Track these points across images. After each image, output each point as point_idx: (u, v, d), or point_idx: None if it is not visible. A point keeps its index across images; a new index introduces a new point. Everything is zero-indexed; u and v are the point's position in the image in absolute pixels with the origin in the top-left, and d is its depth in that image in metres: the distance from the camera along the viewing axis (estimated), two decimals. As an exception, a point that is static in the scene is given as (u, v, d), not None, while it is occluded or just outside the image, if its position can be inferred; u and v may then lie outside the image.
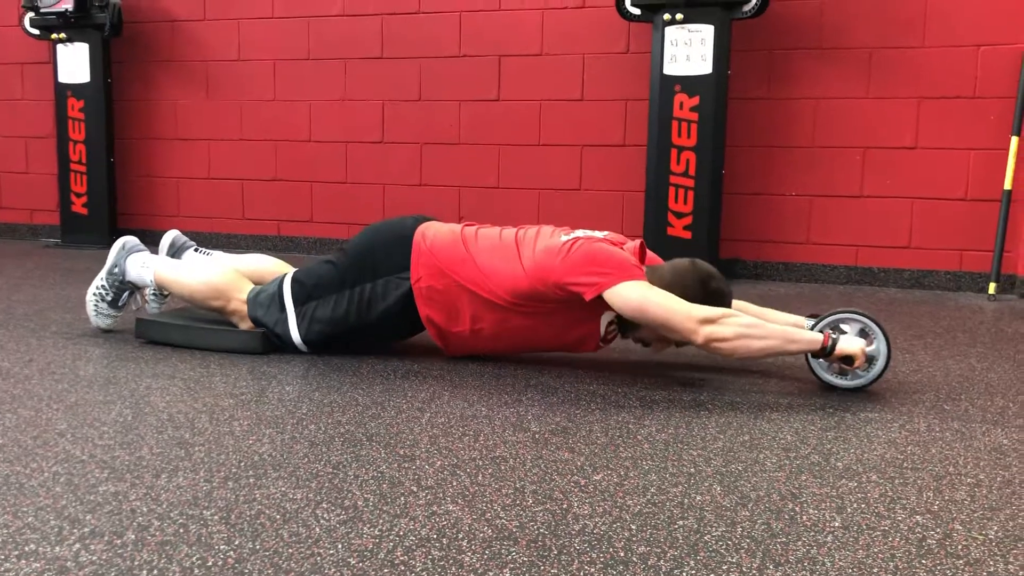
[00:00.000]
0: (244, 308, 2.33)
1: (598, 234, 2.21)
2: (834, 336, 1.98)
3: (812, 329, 2.08)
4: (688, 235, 3.89)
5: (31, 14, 4.79)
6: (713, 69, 3.78)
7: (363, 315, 2.26)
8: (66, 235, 4.97)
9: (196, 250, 2.80)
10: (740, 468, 1.52)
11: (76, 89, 4.84)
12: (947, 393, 2.07)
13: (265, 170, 4.81)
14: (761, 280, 4.05)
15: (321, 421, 1.75)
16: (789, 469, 1.53)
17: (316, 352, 2.33)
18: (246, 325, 2.35)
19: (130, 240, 2.58)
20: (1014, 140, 3.64)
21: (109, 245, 4.70)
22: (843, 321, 2.07)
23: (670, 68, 3.85)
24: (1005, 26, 3.67)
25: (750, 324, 1.97)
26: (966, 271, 3.81)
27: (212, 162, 4.91)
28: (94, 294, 2.51)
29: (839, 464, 1.56)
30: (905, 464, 1.57)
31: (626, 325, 2.17)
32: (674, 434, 1.71)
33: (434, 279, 2.20)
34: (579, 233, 2.18)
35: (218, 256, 2.75)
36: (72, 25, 4.73)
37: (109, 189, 4.92)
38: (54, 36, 4.79)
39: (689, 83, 3.82)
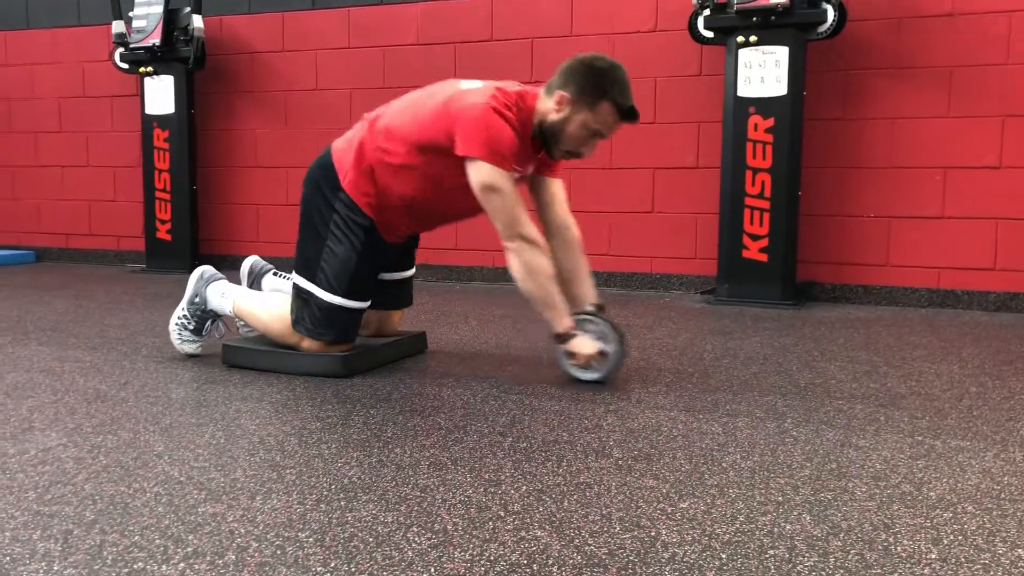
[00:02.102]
0: (310, 343, 2.42)
1: (511, 85, 2.33)
2: (574, 331, 2.25)
3: (576, 315, 2.32)
4: (764, 257, 3.85)
5: (121, 49, 5.01)
6: (788, 91, 3.75)
7: (356, 236, 2.39)
8: (151, 260, 5.15)
9: (275, 274, 2.88)
10: (829, 497, 1.50)
11: (162, 120, 5.03)
12: (1042, 421, 2.01)
13: (341, 196, 4.91)
14: (839, 303, 3.97)
15: (406, 444, 1.78)
16: (880, 499, 1.50)
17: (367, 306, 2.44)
18: (317, 349, 2.41)
19: (208, 269, 2.66)
20: (1106, 158, 3.52)
21: (191, 270, 4.91)
22: (591, 323, 2.30)
23: (744, 90, 3.83)
24: (1094, 41, 3.56)
25: (543, 270, 2.24)
26: (1056, 293, 3.69)
27: (290, 189, 5.04)
28: (177, 323, 2.60)
29: (932, 494, 1.52)
30: (1002, 495, 1.52)
31: (550, 146, 2.33)
32: (759, 462, 1.70)
33: (354, 170, 2.37)
34: (486, 83, 2.31)
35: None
36: (159, 59, 4.93)
37: (192, 216, 5.09)
38: (142, 69, 4.99)
39: (764, 105, 3.80)
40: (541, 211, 2.51)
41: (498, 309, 3.69)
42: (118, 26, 4.98)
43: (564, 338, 2.27)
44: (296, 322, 2.43)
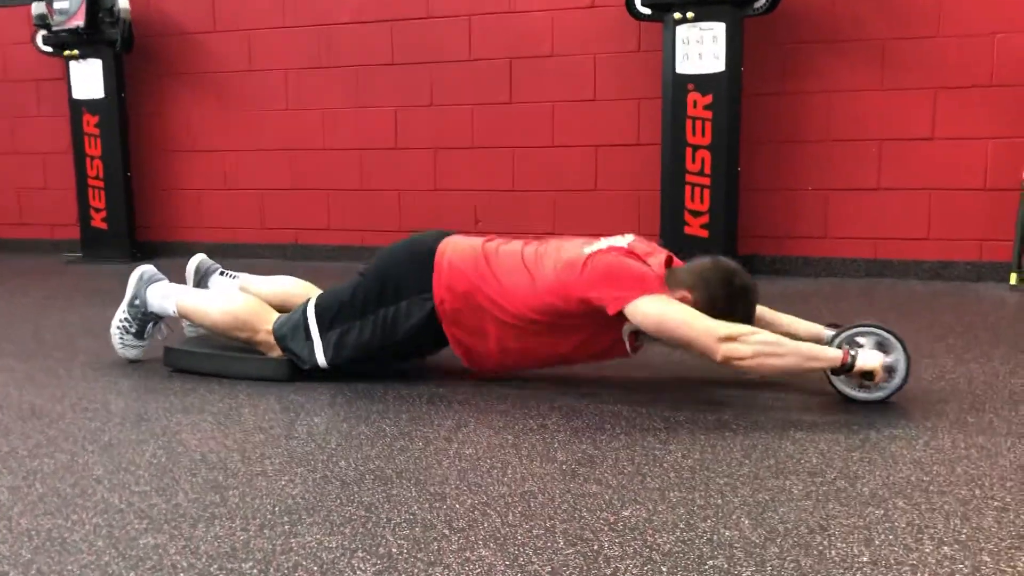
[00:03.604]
0: (270, 339, 2.36)
1: (622, 240, 2.21)
2: (853, 353, 1.98)
3: (831, 344, 2.08)
4: (705, 233, 3.89)
5: (43, 32, 4.83)
6: (726, 67, 3.77)
7: (388, 337, 2.27)
8: (87, 250, 5.03)
9: (222, 274, 2.82)
10: (767, 497, 1.54)
11: (91, 105, 4.87)
12: (971, 403, 2.08)
13: (281, 179, 4.84)
14: (780, 276, 4.04)
15: (351, 456, 1.78)
16: (816, 496, 1.54)
17: (340, 371, 2.34)
18: (275, 353, 2.37)
19: (148, 269, 2.60)
20: (1032, 128, 3.62)
21: (131, 258, 4.82)
22: (860, 335, 2.07)
23: (682, 67, 3.83)
24: (1019, 13, 3.63)
25: (769, 342, 1.97)
26: (987, 261, 3.80)
27: (228, 173, 4.94)
28: (118, 327, 2.55)
29: (865, 490, 1.57)
30: (931, 487, 1.58)
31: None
32: (700, 459, 1.73)
33: (457, 301, 2.21)
34: (602, 244, 2.18)
35: (245, 279, 2.77)
36: (84, 41, 4.76)
37: (127, 203, 4.97)
38: (67, 53, 4.83)
39: (702, 82, 3.81)
40: None
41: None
42: (38, 7, 4.78)
43: (849, 366, 1.99)
44: (285, 334, 2.34)
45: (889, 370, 2.03)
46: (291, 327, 2.35)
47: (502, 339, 2.21)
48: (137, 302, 2.54)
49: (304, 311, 2.35)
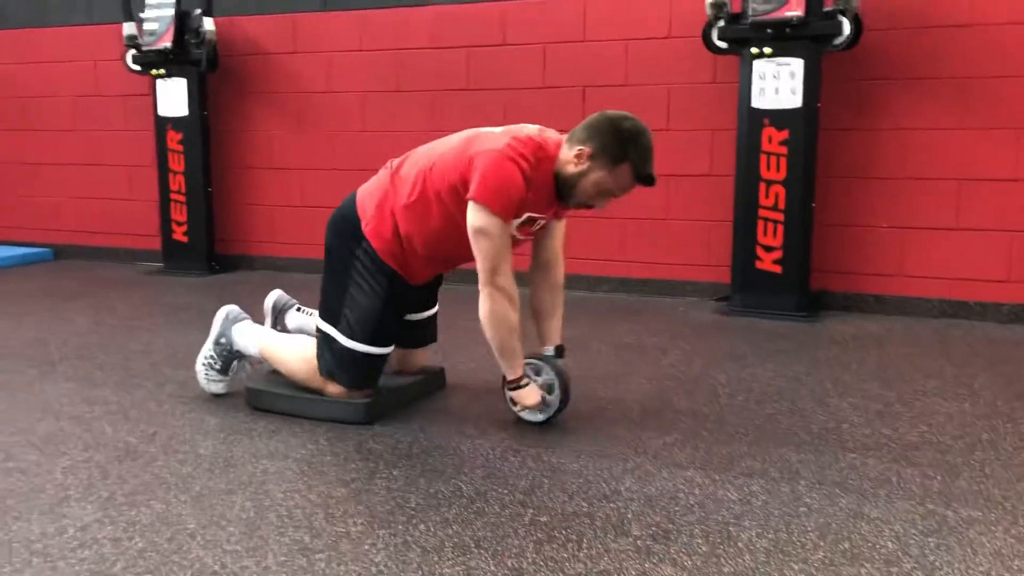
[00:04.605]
0: (334, 388, 2.46)
1: (529, 127, 2.37)
2: (524, 382, 2.37)
3: (528, 357, 2.42)
4: (778, 269, 3.87)
5: (133, 51, 5.00)
6: (803, 103, 3.74)
7: (378, 287, 2.44)
8: (167, 261, 5.20)
9: (299, 309, 2.92)
10: (842, 589, 1.55)
11: (175, 122, 5.04)
12: (1052, 481, 2.05)
13: (355, 198, 4.93)
14: (852, 312, 3.99)
15: (430, 519, 1.83)
16: (892, 590, 1.55)
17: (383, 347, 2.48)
18: (341, 396, 2.47)
19: (233, 309, 2.70)
20: (1122, 173, 3.51)
21: (208, 271, 4.97)
22: (541, 367, 2.43)
23: (758, 101, 3.81)
24: (1114, 54, 3.53)
25: (508, 321, 2.29)
26: (1069, 306, 3.70)
27: (304, 190, 5.06)
28: (203, 363, 2.65)
29: (943, 584, 1.57)
30: (1011, 585, 1.57)
31: (564, 195, 2.36)
32: (774, 540, 1.74)
33: (376, 218, 2.42)
34: (506, 128, 2.36)
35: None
36: (171, 61, 4.92)
37: (207, 217, 5.12)
38: (154, 72, 4.99)
39: (778, 117, 3.79)
40: (535, 244, 2.55)
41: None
42: (129, 28, 4.97)
43: (514, 386, 2.38)
44: (320, 366, 2.48)
45: (547, 397, 2.40)
46: (319, 351, 2.48)
47: (415, 232, 2.39)
48: (223, 340, 2.65)
49: (317, 328, 2.52)
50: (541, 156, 2.31)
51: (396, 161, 2.51)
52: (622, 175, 2.28)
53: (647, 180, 2.29)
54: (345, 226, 2.48)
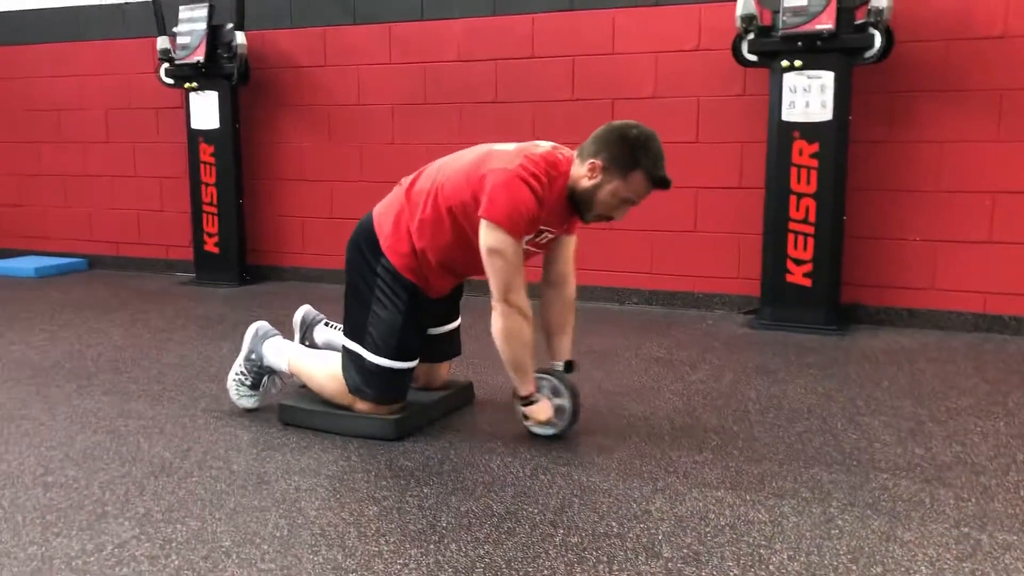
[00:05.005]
0: (363, 405, 2.48)
1: (542, 144, 2.40)
2: (536, 397, 2.41)
3: (539, 371, 2.45)
4: (808, 283, 3.85)
5: (166, 65, 5.08)
6: (833, 116, 3.72)
7: (399, 303, 2.46)
8: (200, 272, 5.26)
9: (327, 324, 2.95)
10: (876, 616, 1.54)
11: (207, 135, 5.10)
12: (1090, 505, 2.02)
13: (384, 210, 4.97)
14: (883, 326, 3.96)
15: (461, 539, 1.85)
16: (926, 617, 1.54)
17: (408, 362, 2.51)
18: (369, 411, 2.49)
19: (263, 326, 2.73)
20: None
21: (239, 282, 5.02)
22: (544, 379, 2.46)
23: (788, 114, 3.80)
24: None
25: (521, 336, 2.33)
26: (1106, 321, 3.65)
27: (334, 202, 5.11)
28: (234, 379, 2.69)
29: (978, 612, 1.56)
30: (1048, 613, 1.55)
31: (581, 211, 2.38)
32: (806, 563, 1.74)
33: (392, 236, 2.46)
34: (519, 146, 2.37)
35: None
36: (203, 74, 4.99)
37: (238, 229, 5.18)
38: (187, 85, 5.06)
39: (808, 130, 3.77)
40: (547, 261, 2.58)
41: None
42: (163, 42, 5.04)
43: (526, 401, 2.41)
44: (347, 382, 2.50)
45: (559, 410, 2.43)
46: (345, 369, 2.51)
47: (429, 246, 2.42)
48: (253, 356, 2.68)
49: (342, 349, 2.54)
50: (554, 174, 2.33)
51: (409, 178, 2.55)
52: (636, 182, 2.29)
53: (662, 183, 2.30)
54: (364, 245, 2.52)
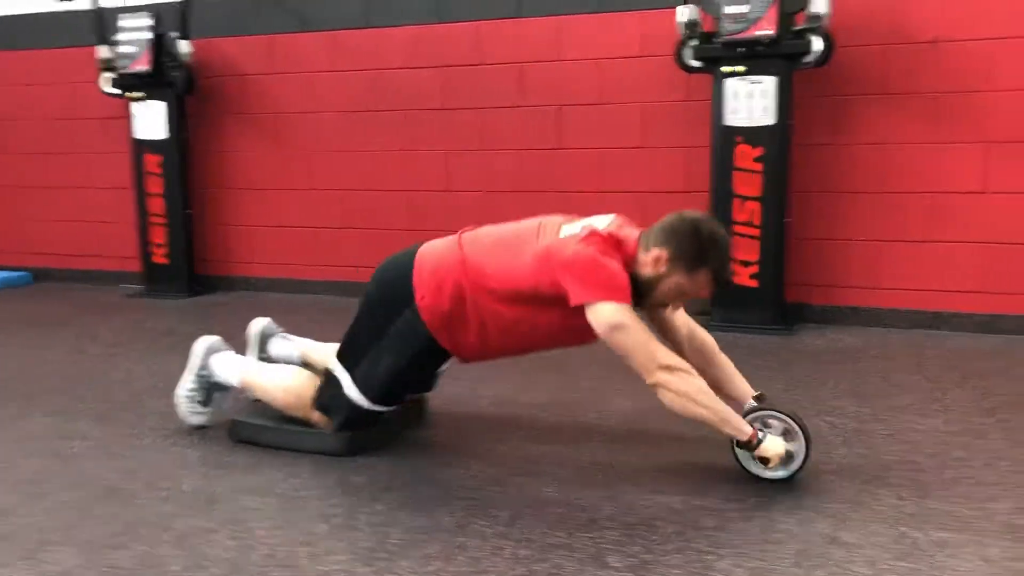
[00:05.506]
0: (321, 415, 2.46)
1: (603, 222, 2.29)
2: (761, 436, 2.14)
3: (748, 413, 2.22)
4: (755, 284, 3.92)
5: (109, 74, 5.00)
6: (776, 120, 3.79)
7: (404, 354, 2.37)
8: (148, 284, 5.19)
9: (283, 337, 2.93)
10: (817, 619, 1.58)
11: (153, 145, 5.03)
12: (1019, 500, 2.09)
13: (333, 218, 4.95)
14: (829, 324, 4.05)
15: (411, 555, 1.85)
16: (865, 618, 1.58)
17: (384, 405, 2.44)
18: (329, 428, 2.47)
19: (213, 340, 2.70)
20: (1088, 185, 3.59)
21: (189, 292, 4.96)
22: (772, 417, 2.21)
23: (731, 119, 3.86)
24: (1077, 68, 3.61)
25: (701, 390, 2.14)
26: (1040, 315, 3.77)
27: (283, 210, 5.07)
28: (185, 396, 2.66)
29: (914, 611, 1.61)
30: (980, 610, 1.61)
31: (642, 296, 2.25)
32: (751, 569, 1.77)
33: (436, 295, 2.30)
34: (581, 227, 2.25)
35: (303, 345, 2.88)
36: (148, 84, 4.91)
37: (187, 239, 5.12)
38: (131, 95, 4.98)
39: (751, 134, 3.83)
40: (665, 335, 2.41)
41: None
42: (104, 51, 4.96)
43: (753, 445, 2.15)
44: (316, 397, 2.47)
45: (789, 456, 2.17)
46: (323, 387, 2.46)
47: (481, 323, 2.30)
48: (203, 372, 2.65)
49: (329, 369, 2.47)
50: (621, 256, 2.24)
51: (466, 238, 2.39)
52: (701, 279, 2.22)
53: (725, 284, 2.29)
54: (398, 288, 2.37)
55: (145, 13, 4.84)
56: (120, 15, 4.90)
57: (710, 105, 3.94)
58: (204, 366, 2.66)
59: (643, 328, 2.15)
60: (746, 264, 3.91)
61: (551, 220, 2.36)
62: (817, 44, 3.69)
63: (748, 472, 2.21)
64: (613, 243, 2.22)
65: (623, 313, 2.14)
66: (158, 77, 4.88)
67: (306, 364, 2.79)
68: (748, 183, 3.86)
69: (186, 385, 2.67)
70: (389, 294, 2.40)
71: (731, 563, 1.80)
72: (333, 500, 2.16)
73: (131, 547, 1.91)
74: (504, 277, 2.26)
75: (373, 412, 2.43)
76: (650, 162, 4.28)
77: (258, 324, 2.95)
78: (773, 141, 3.81)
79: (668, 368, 2.13)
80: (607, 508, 2.08)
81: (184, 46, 4.84)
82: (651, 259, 2.20)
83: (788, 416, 2.21)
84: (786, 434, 2.19)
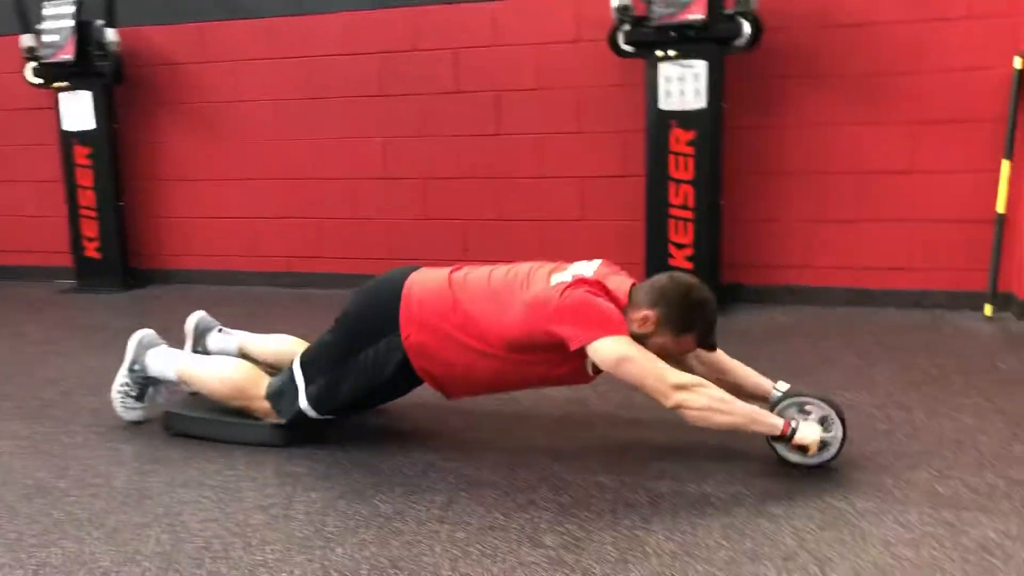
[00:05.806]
0: (265, 405, 2.43)
1: (589, 268, 2.30)
2: (794, 424, 2.12)
3: (776, 404, 2.22)
4: (690, 265, 3.97)
5: (33, 64, 4.86)
6: (708, 103, 3.84)
7: (372, 380, 2.35)
8: (81, 279, 5.07)
9: (220, 331, 2.89)
10: (743, 588, 1.63)
11: (82, 136, 4.91)
12: (940, 468, 2.17)
13: (271, 208, 4.90)
14: (764, 303, 4.13)
15: (347, 541, 1.86)
16: (789, 586, 1.63)
17: (334, 432, 2.45)
18: (271, 419, 2.45)
19: (147, 334, 2.66)
20: (1005, 163, 3.71)
21: (124, 287, 4.87)
22: (807, 403, 2.19)
23: (665, 103, 3.90)
24: (994, 49, 3.71)
25: (720, 399, 2.10)
26: (964, 290, 3.89)
27: (218, 201, 5.00)
28: (119, 391, 2.61)
29: (833, 575, 1.67)
30: (896, 574, 1.67)
31: None
32: (681, 543, 1.82)
33: (424, 334, 2.28)
34: (569, 274, 2.26)
35: (242, 338, 2.85)
36: (74, 74, 4.79)
37: (119, 232, 5.01)
38: (56, 85, 4.86)
39: (684, 118, 3.88)
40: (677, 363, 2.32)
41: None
42: (27, 40, 4.82)
43: (787, 437, 2.13)
44: (269, 389, 2.44)
45: (824, 444, 2.15)
46: (280, 385, 2.43)
47: (469, 367, 2.29)
48: (137, 367, 2.61)
49: (291, 368, 2.44)
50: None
51: (458, 279, 2.35)
52: (686, 342, 2.23)
53: (710, 348, 2.29)
54: (380, 315, 2.35)
55: (69, 0, 4.71)
56: (44, 3, 4.76)
57: (644, 90, 3.98)
58: (137, 360, 2.62)
59: (647, 354, 2.12)
60: (681, 247, 3.97)
61: (540, 268, 2.34)
62: (746, 28, 3.75)
63: (791, 464, 2.17)
64: (601, 288, 2.22)
65: (625, 344, 2.12)
66: (83, 66, 4.76)
67: (245, 356, 2.77)
68: (682, 166, 3.91)
69: (120, 380, 2.63)
70: (371, 320, 2.36)
71: (662, 537, 1.84)
72: (269, 490, 2.15)
73: (60, 544, 1.88)
74: (496, 331, 2.23)
75: (320, 420, 2.43)
76: (587, 147, 4.31)
77: (194, 318, 2.91)
78: (705, 124, 3.87)
79: (682, 387, 2.08)
80: (543, 489, 2.11)
81: (111, 34, 4.73)
82: (639, 317, 2.19)
83: (822, 400, 2.19)
84: (822, 420, 2.18)
